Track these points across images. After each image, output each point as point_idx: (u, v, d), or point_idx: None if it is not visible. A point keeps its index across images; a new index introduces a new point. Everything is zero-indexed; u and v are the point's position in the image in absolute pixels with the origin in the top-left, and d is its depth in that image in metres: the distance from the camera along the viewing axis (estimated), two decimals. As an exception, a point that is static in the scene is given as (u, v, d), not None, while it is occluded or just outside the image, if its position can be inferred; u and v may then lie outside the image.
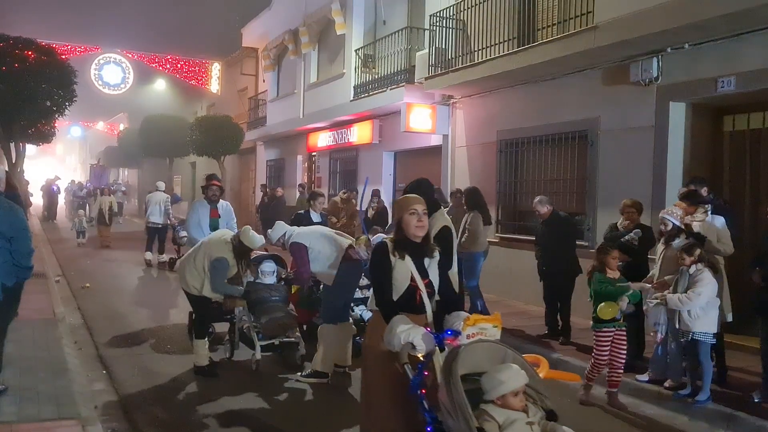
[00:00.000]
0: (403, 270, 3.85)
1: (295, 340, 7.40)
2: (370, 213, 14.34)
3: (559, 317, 8.65)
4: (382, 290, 3.89)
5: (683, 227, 6.74)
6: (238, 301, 7.14)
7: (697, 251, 6.22)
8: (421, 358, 3.54)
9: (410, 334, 3.49)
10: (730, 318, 6.68)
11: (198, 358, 6.97)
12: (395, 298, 3.84)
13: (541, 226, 8.80)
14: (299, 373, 6.90)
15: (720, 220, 6.79)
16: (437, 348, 3.55)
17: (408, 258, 3.87)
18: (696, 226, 6.71)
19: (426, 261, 3.94)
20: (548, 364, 3.37)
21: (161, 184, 16.77)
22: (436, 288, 3.93)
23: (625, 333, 6.37)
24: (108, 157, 43.32)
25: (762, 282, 6.20)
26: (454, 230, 5.67)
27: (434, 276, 3.94)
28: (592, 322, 6.41)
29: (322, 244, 6.77)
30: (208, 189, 9.05)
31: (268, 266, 7.54)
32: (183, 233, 12.21)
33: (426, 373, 3.54)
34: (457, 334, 3.51)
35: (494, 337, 3.53)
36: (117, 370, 7.03)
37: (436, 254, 3.99)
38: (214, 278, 6.81)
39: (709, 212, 6.82)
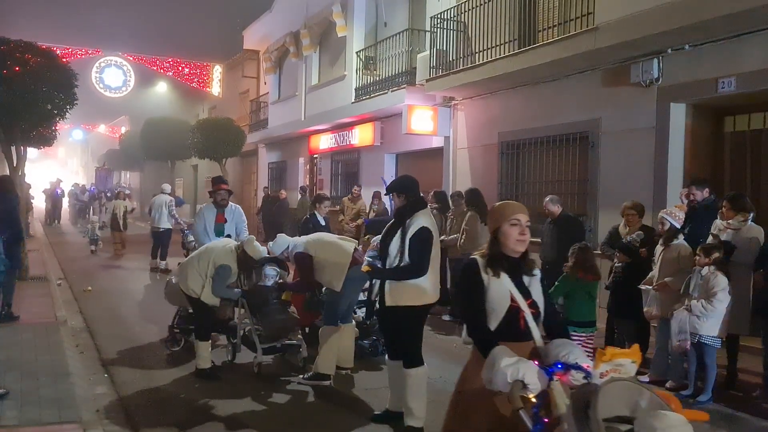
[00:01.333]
0: (500, 290, 3.29)
1: (296, 342, 7.39)
2: (371, 215, 14.34)
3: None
4: (476, 317, 3.31)
5: (680, 228, 6.73)
6: (229, 311, 7.27)
7: (715, 254, 6.17)
8: (534, 400, 2.88)
9: (519, 370, 2.87)
10: (747, 331, 6.56)
11: (200, 361, 6.96)
12: (494, 324, 3.27)
13: (549, 226, 8.76)
14: (301, 375, 6.91)
15: (754, 230, 6.56)
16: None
17: (504, 275, 3.32)
18: (729, 234, 6.57)
19: (526, 279, 3.40)
20: (680, 403, 2.79)
21: (167, 187, 16.42)
22: (542, 309, 3.38)
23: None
24: (109, 161, 43.41)
25: (765, 283, 6.18)
26: (436, 233, 5.46)
27: (537, 296, 3.38)
28: None
29: (327, 252, 6.74)
30: (216, 193, 8.70)
31: (271, 270, 7.52)
32: (191, 237, 11.62)
33: (546, 420, 2.87)
34: (568, 367, 2.94)
35: (629, 374, 2.91)
36: (119, 373, 7.02)
37: (537, 271, 3.47)
38: (216, 283, 6.91)
39: (749, 221, 6.57)
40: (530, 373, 2.88)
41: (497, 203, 3.64)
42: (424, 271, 5.25)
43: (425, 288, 5.31)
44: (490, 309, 3.28)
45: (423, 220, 5.33)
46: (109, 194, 30.17)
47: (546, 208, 8.71)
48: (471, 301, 3.35)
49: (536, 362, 3.00)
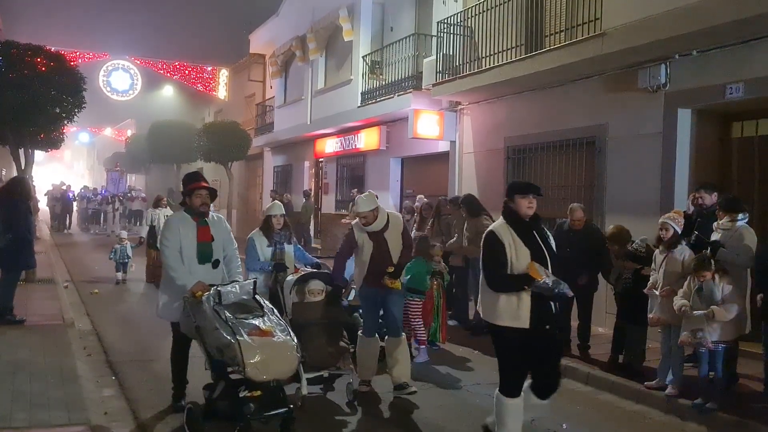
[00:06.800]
0: None
1: (346, 371, 6.43)
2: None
3: (578, 328, 8.29)
4: None
5: (681, 234, 6.77)
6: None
7: (711, 262, 6.21)
8: None
9: None
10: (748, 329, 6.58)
11: None
12: None
13: (569, 234, 8.18)
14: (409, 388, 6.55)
15: (744, 232, 6.64)
16: None
17: None
18: (720, 234, 6.69)
19: None
20: None
21: None
22: None
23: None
24: (114, 163, 43.47)
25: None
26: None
27: None
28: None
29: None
30: (192, 195, 5.73)
31: (316, 285, 6.59)
32: None
33: None
34: None
35: None
36: (126, 375, 7.04)
37: None
38: (248, 260, 6.95)
39: (738, 222, 6.66)
40: None
41: None
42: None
43: None
44: None
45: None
46: (122, 197, 29.24)
47: (574, 217, 8.21)
48: None
49: None
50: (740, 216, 6.69)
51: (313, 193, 20.37)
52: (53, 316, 9.31)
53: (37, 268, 11.52)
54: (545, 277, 4.55)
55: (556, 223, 8.72)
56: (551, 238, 5.01)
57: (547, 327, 4.78)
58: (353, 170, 18.95)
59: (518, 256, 4.72)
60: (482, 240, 4.93)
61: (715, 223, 6.87)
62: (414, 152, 15.46)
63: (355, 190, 15.86)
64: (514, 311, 4.68)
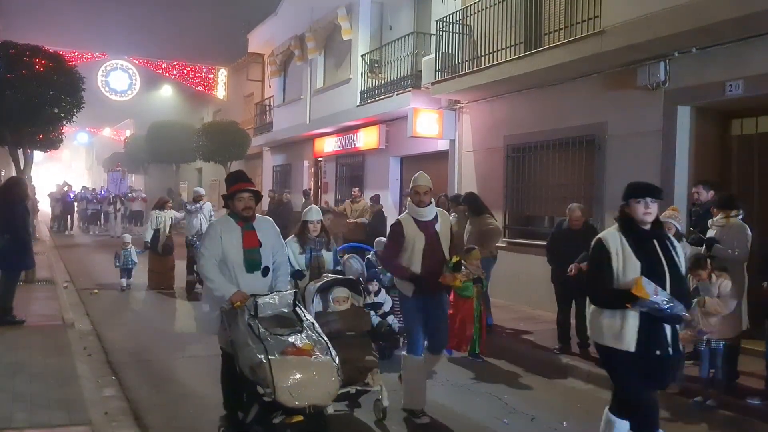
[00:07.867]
0: None
1: (375, 387, 5.76)
2: (368, 216, 14.28)
3: (575, 326, 8.26)
4: None
5: (684, 233, 6.79)
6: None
7: (707, 261, 6.23)
8: None
9: None
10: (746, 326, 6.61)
11: None
12: None
13: (568, 233, 8.23)
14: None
15: (739, 227, 6.70)
16: None
17: None
18: (712, 231, 6.75)
19: None
20: None
21: (201, 190, 13.83)
22: None
23: None
24: (114, 163, 43.41)
25: None
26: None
27: None
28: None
29: None
30: (234, 198, 5.18)
31: (341, 292, 5.99)
32: None
33: None
34: None
35: None
36: (126, 376, 7.04)
37: None
38: None
39: (732, 218, 6.70)
40: None
41: None
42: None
43: None
44: None
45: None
46: (123, 198, 28.87)
47: (573, 217, 8.19)
48: None
49: None
50: (733, 213, 6.75)
51: (312, 193, 20.36)
52: (53, 316, 9.30)
53: (36, 269, 11.52)
54: (654, 295, 3.88)
55: (555, 222, 8.74)
56: (678, 249, 4.28)
57: (657, 353, 4.05)
58: (352, 169, 18.94)
59: (625, 268, 4.07)
60: (590, 248, 4.36)
61: (710, 220, 6.92)
62: (413, 151, 15.45)
63: (356, 189, 15.87)
64: (617, 331, 4.08)
